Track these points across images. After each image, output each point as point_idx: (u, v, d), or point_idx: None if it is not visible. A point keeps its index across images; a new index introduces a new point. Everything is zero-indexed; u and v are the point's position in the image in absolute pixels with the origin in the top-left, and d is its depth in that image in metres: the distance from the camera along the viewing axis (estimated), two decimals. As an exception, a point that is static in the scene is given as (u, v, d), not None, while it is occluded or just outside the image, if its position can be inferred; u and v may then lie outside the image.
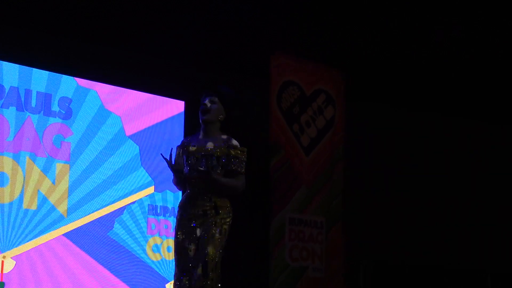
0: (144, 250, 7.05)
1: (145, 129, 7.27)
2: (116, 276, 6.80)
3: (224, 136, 4.77)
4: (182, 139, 4.92)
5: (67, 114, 6.80)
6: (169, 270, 7.10)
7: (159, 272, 7.09)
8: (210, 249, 4.48)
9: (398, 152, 9.64)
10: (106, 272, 6.74)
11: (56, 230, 6.54)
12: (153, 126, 7.33)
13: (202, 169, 4.55)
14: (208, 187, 4.59)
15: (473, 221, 10.10)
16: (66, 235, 6.60)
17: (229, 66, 8.01)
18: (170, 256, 7.14)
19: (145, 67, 7.73)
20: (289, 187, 7.38)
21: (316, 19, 7.34)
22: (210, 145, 4.66)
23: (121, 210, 6.97)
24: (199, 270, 4.44)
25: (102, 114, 7.02)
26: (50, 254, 6.48)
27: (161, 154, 4.70)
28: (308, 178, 7.55)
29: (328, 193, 7.70)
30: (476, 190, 10.23)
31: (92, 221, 6.78)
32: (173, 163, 4.64)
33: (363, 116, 9.28)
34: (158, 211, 7.20)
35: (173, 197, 7.27)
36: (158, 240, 7.16)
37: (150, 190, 7.18)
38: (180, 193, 7.26)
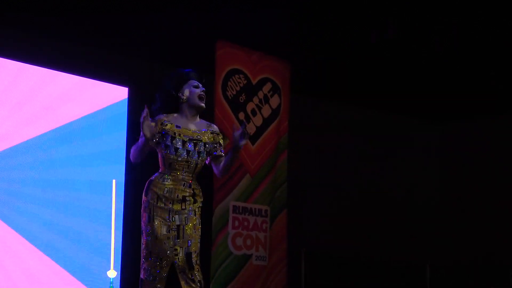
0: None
1: (85, 116, 7.18)
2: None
3: (204, 121, 4.59)
4: (160, 115, 4.47)
5: None
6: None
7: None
8: (194, 241, 4.35)
9: (340, 143, 9.75)
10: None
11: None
12: (95, 112, 7.24)
13: (242, 143, 4.39)
14: (191, 173, 4.43)
15: (413, 213, 10.28)
16: None
17: (174, 53, 7.96)
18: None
19: (90, 56, 7.63)
20: (233, 175, 7.38)
21: (263, 9, 7.34)
22: (197, 129, 4.48)
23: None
24: (180, 260, 4.29)
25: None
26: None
27: (146, 105, 4.37)
28: (252, 167, 7.56)
29: (272, 182, 7.72)
30: (414, 183, 10.43)
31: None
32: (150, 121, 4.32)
33: (306, 107, 9.36)
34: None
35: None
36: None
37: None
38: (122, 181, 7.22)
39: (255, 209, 7.53)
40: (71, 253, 6.84)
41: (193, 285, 4.30)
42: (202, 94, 4.50)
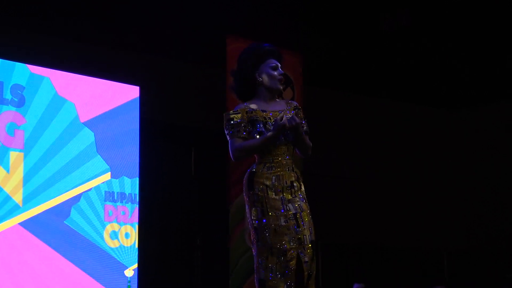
0: (102, 237, 6.98)
1: (100, 115, 7.18)
2: (74, 263, 6.73)
3: (283, 100, 4.25)
4: (240, 105, 4.10)
5: (20, 102, 6.68)
6: (127, 256, 7.06)
7: (117, 259, 7.03)
8: (312, 228, 4.00)
9: (355, 133, 9.72)
10: (64, 260, 6.67)
11: (11, 219, 6.44)
12: (108, 112, 7.24)
13: (296, 122, 3.94)
14: (290, 155, 4.06)
15: (425, 200, 10.25)
16: (22, 224, 6.51)
17: (185, 50, 7.96)
18: (128, 242, 7.10)
19: (99, 53, 7.64)
20: (247, 170, 7.36)
21: (274, 3, 7.32)
22: (281, 109, 4.10)
23: (77, 198, 6.89)
24: (308, 250, 3.93)
25: (56, 101, 6.91)
26: (6, 244, 6.39)
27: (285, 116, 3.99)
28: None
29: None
30: (427, 171, 10.39)
31: (48, 209, 6.68)
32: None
33: (320, 99, 9.33)
34: (115, 198, 7.14)
35: (130, 183, 7.22)
36: (115, 226, 7.09)
37: (107, 176, 7.11)
38: (137, 179, 7.25)
39: (271, 203, 7.50)
40: (86, 254, 6.87)
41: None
42: (280, 78, 4.12)
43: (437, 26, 7.88)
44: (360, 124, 9.86)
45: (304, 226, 3.96)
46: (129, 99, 7.39)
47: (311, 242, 3.96)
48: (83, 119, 7.05)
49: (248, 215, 4.04)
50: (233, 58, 7.40)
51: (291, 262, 3.89)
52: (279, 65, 4.14)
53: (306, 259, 3.91)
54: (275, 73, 4.11)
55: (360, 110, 9.93)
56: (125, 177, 7.21)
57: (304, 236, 3.94)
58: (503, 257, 9.59)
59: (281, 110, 4.09)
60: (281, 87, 4.15)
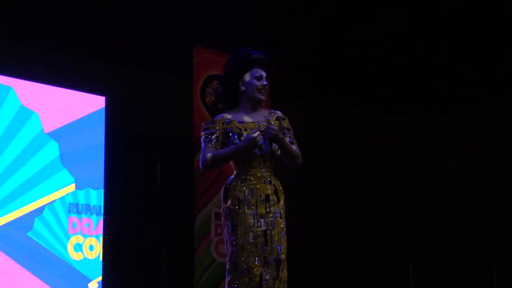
0: (65, 249, 6.89)
1: (65, 125, 7.10)
2: (37, 276, 6.63)
3: (266, 109, 4.17)
4: (218, 115, 4.06)
5: (-17, 113, 6.59)
6: (92, 269, 6.97)
7: (81, 272, 6.94)
8: (283, 246, 3.92)
9: (323, 143, 9.75)
10: (26, 273, 6.56)
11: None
12: (73, 122, 7.16)
13: (273, 133, 3.87)
14: (268, 168, 3.98)
15: (390, 210, 10.31)
16: (-16, 237, 6.41)
17: (152, 60, 7.92)
18: (92, 254, 7.02)
19: (65, 63, 7.57)
20: (214, 181, 7.33)
21: (237, 13, 7.31)
22: (261, 120, 4.04)
23: (41, 209, 6.79)
24: (271, 270, 3.86)
25: (21, 112, 6.82)
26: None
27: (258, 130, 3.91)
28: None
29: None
30: (391, 181, 10.45)
31: (10, 221, 6.58)
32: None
33: (288, 108, 9.32)
34: (80, 209, 7.05)
35: (95, 195, 7.14)
36: (80, 238, 7.01)
37: (71, 188, 7.02)
38: (102, 190, 7.18)
39: (237, 214, 7.48)
40: (49, 267, 6.77)
41: None
42: (262, 88, 4.05)
43: (405, 35, 7.95)
44: (330, 132, 9.88)
45: (272, 244, 3.89)
46: (95, 109, 7.33)
47: (277, 261, 3.88)
48: (47, 129, 6.96)
49: (223, 227, 4.00)
50: (200, 68, 7.40)
51: (255, 280, 3.83)
52: (264, 74, 4.08)
53: (267, 277, 3.84)
54: (258, 83, 4.04)
55: (331, 119, 9.97)
56: (90, 188, 7.13)
57: (270, 256, 3.88)
58: (470, 267, 9.66)
59: (262, 121, 4.04)
60: (262, 97, 4.07)
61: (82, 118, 7.23)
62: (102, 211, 7.18)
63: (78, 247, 6.97)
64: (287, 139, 4.04)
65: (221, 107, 4.22)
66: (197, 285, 7.10)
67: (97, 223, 7.15)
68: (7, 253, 6.49)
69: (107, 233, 7.21)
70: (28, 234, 6.68)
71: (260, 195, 3.93)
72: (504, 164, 9.94)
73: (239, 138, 3.97)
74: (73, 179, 7.04)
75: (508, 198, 9.79)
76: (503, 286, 9.22)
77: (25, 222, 6.67)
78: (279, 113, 4.15)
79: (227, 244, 3.94)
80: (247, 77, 4.07)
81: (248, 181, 3.95)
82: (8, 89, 6.77)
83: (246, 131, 3.98)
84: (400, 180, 10.50)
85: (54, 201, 6.89)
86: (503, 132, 10.00)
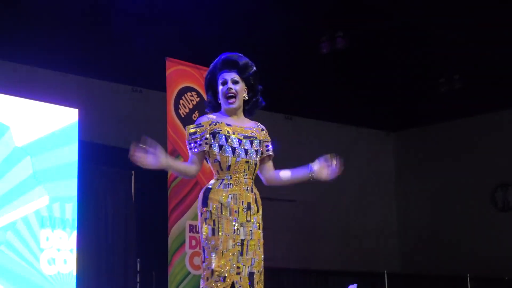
0: (38, 263, 6.82)
1: (37, 139, 7.04)
2: (9, 291, 6.56)
3: (248, 118, 4.02)
4: (203, 116, 3.92)
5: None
6: (65, 283, 6.91)
7: (55, 286, 6.87)
8: (258, 258, 3.83)
9: (293, 155, 9.77)
10: (-1, 287, 6.49)
11: None
12: (46, 136, 7.11)
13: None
14: (251, 175, 3.88)
15: (362, 223, 10.35)
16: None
17: (125, 73, 7.91)
18: (66, 268, 6.96)
19: (37, 75, 7.53)
20: (188, 194, 7.31)
21: (209, 26, 7.34)
22: (248, 126, 3.93)
23: (13, 223, 6.72)
24: (243, 282, 3.75)
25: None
26: None
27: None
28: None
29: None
30: (363, 193, 10.50)
31: (-19, 235, 6.51)
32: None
33: (260, 120, 9.36)
34: (53, 223, 6.99)
35: (69, 208, 7.10)
36: (53, 252, 6.94)
37: (44, 201, 6.96)
38: (75, 204, 7.13)
39: (212, 227, 7.46)
40: (21, 281, 6.70)
41: None
42: (227, 93, 3.87)
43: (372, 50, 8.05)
44: (300, 145, 9.92)
45: (247, 255, 3.80)
46: (68, 122, 7.28)
47: (250, 273, 3.79)
48: (19, 143, 6.90)
49: (199, 231, 3.87)
50: (173, 80, 7.39)
51: (224, 284, 3.71)
52: (228, 79, 3.89)
53: None
54: (223, 89, 3.89)
55: (300, 132, 10.01)
56: (63, 202, 7.07)
57: (244, 267, 3.79)
58: (444, 281, 9.72)
59: (250, 127, 3.93)
60: (231, 106, 3.90)
61: (55, 131, 7.18)
62: (75, 225, 7.12)
63: (51, 261, 6.91)
64: (270, 153, 3.99)
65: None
66: (172, 298, 7.07)
67: (70, 237, 7.09)
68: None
69: (81, 246, 7.16)
70: (0, 247, 6.61)
71: (242, 202, 3.83)
72: None
73: (226, 140, 3.84)
74: (46, 193, 6.98)
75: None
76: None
77: (-3, 235, 6.61)
78: (262, 126, 4.03)
79: (204, 249, 3.81)
80: (217, 85, 3.93)
81: (231, 186, 3.84)
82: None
83: (234, 134, 3.86)
84: (371, 193, 10.54)
85: (27, 214, 6.83)
86: None
